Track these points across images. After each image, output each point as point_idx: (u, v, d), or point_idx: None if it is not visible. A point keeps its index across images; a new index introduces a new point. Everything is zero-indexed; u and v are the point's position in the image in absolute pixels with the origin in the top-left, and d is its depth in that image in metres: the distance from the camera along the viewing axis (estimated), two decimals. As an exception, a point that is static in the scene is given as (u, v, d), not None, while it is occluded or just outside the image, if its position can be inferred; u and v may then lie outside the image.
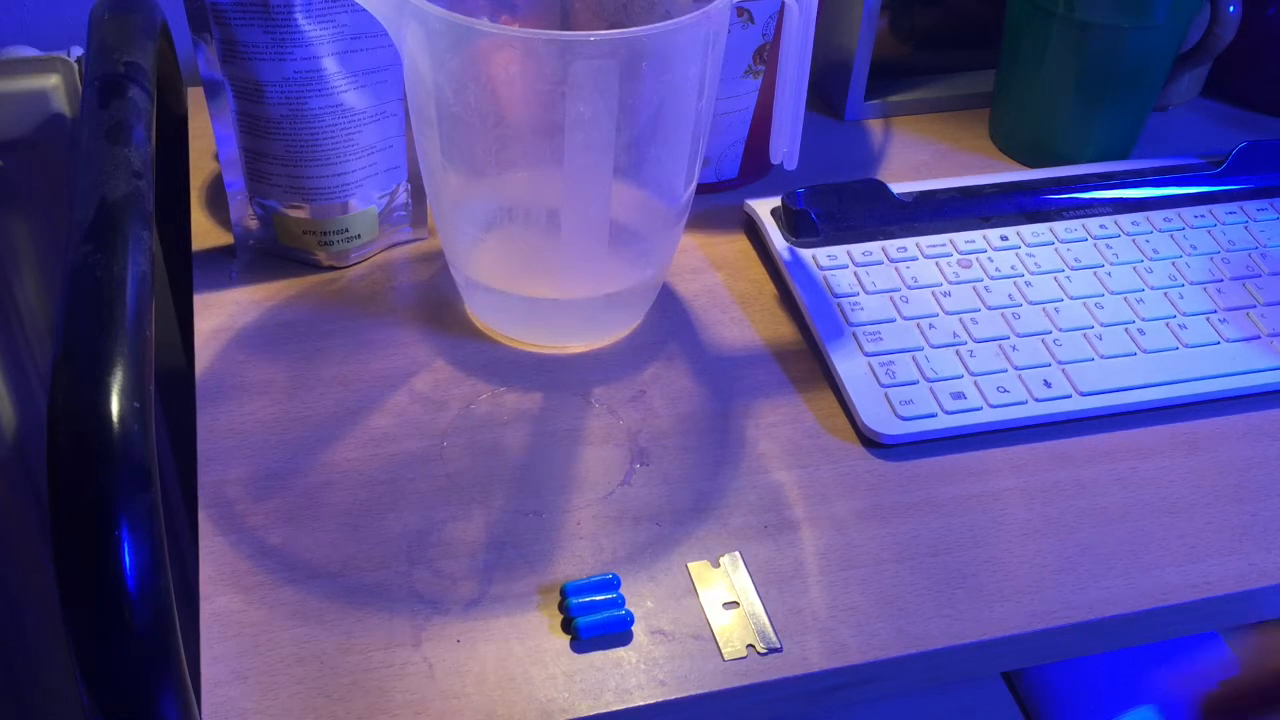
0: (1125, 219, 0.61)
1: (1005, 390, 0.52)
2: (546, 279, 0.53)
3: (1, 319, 0.73)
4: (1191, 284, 0.58)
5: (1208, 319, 0.56)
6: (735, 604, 0.43)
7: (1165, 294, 0.57)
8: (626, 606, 0.42)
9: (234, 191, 0.57)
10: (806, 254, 0.58)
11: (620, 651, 0.42)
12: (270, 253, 0.59)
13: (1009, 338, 0.54)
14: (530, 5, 0.55)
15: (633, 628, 0.42)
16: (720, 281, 0.59)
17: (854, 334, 0.54)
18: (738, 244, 0.62)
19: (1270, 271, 0.59)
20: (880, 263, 0.58)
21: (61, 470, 0.35)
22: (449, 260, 0.54)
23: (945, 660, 0.43)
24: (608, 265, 0.52)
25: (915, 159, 0.70)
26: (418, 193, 0.59)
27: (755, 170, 0.66)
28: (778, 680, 0.41)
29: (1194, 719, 0.60)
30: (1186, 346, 0.55)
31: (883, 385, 0.52)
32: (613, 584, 0.43)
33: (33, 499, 0.80)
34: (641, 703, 0.40)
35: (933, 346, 0.54)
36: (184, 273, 0.60)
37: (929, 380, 0.52)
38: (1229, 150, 0.65)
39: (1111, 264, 0.59)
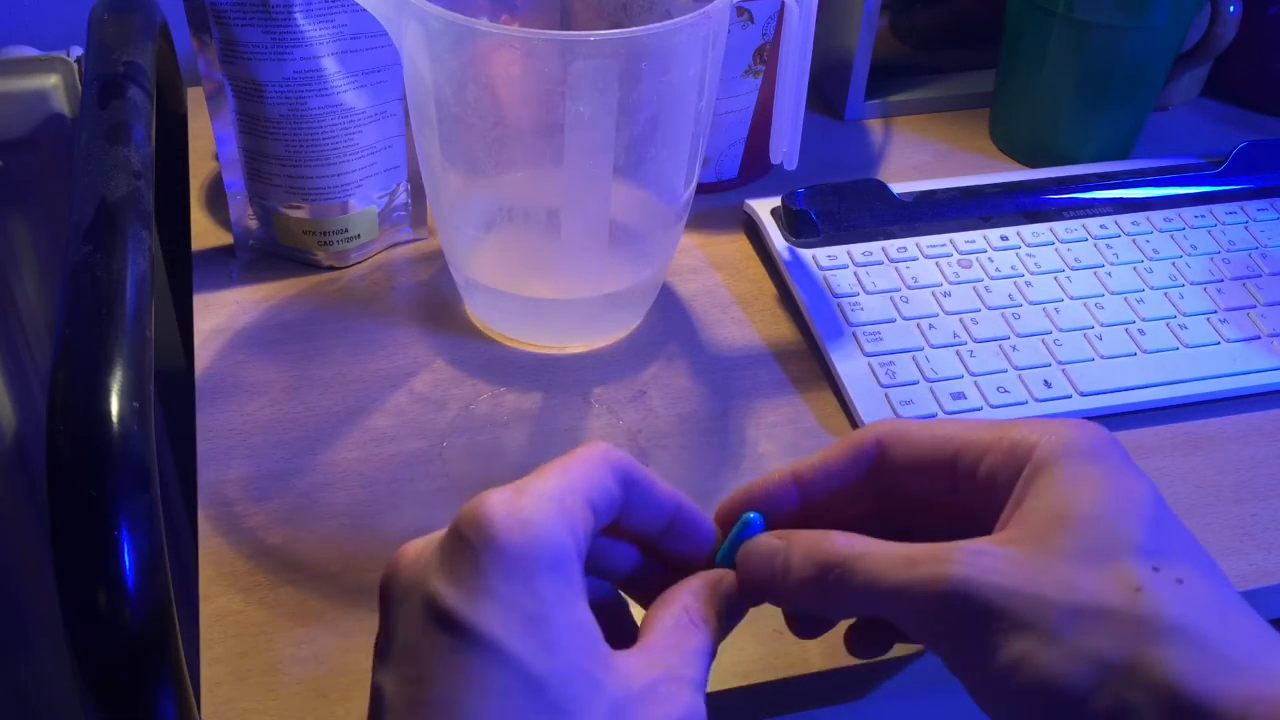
0: (1125, 219, 0.61)
1: (1005, 390, 0.52)
2: (546, 279, 0.53)
3: (1, 319, 0.73)
4: (1191, 284, 0.58)
5: (1208, 319, 0.56)
6: None
7: (1165, 294, 0.57)
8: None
9: (234, 191, 0.57)
10: (806, 254, 0.58)
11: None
12: (270, 253, 0.59)
13: (1009, 338, 0.54)
14: (530, 5, 0.55)
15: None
16: (720, 281, 0.59)
17: (854, 334, 0.54)
18: (738, 244, 0.62)
19: (1270, 271, 0.59)
20: (880, 263, 0.58)
21: (61, 470, 0.36)
22: (449, 260, 0.54)
23: (945, 660, 0.43)
24: (608, 265, 0.52)
25: (915, 159, 0.70)
26: (417, 193, 0.59)
27: (755, 170, 0.66)
28: (778, 680, 0.41)
29: None
30: (1186, 346, 0.54)
31: (883, 385, 0.52)
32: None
33: (32, 499, 0.80)
34: (641, 703, 0.40)
35: (933, 346, 0.54)
36: (184, 273, 0.60)
37: (929, 380, 0.52)
38: (1229, 150, 0.65)
39: (1112, 264, 0.59)
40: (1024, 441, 0.33)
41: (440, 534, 0.31)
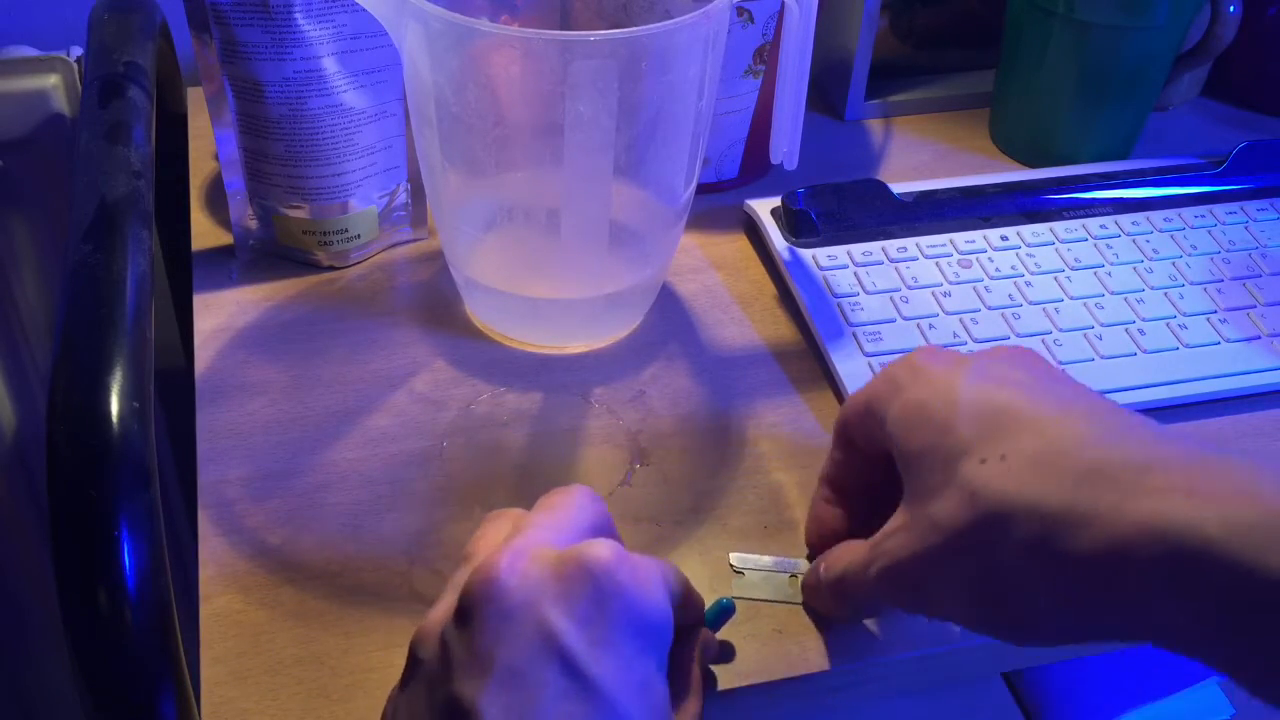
0: (1125, 219, 0.61)
1: (1005, 390, 0.52)
2: (546, 279, 0.53)
3: (1, 319, 0.73)
4: (1191, 284, 0.58)
5: (1208, 319, 0.56)
6: None
7: (1165, 294, 0.57)
8: None
9: (234, 191, 0.57)
10: (806, 254, 0.58)
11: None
12: (270, 253, 0.59)
13: (1009, 338, 0.54)
14: (530, 5, 0.55)
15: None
16: (720, 281, 0.59)
17: (854, 334, 0.54)
18: (738, 244, 0.62)
19: (1270, 271, 0.59)
20: (880, 263, 0.58)
21: (61, 470, 0.36)
22: (449, 260, 0.54)
23: (945, 661, 0.43)
24: (608, 265, 0.52)
25: (915, 159, 0.70)
26: (417, 193, 0.59)
27: (755, 170, 0.66)
28: (778, 680, 0.41)
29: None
30: (1186, 346, 0.54)
31: (883, 385, 0.52)
32: None
33: (33, 499, 0.80)
34: (641, 703, 0.40)
35: (933, 346, 0.54)
36: (184, 273, 0.60)
37: (929, 380, 0.52)
38: (1229, 150, 0.65)
39: (1112, 264, 0.59)
40: (878, 400, 0.38)
41: (548, 554, 0.32)
